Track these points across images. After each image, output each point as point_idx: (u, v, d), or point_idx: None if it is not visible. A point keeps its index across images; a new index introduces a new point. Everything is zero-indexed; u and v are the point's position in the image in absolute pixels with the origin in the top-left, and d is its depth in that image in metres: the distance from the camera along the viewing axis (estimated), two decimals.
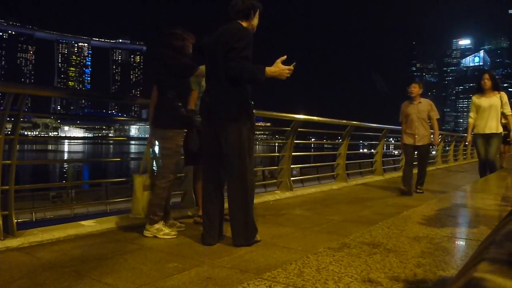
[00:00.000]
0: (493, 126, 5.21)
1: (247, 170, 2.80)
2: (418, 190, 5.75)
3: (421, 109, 5.58)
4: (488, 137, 5.24)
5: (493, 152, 5.28)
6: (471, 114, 5.42)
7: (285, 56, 2.75)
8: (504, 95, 5.27)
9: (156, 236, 2.99)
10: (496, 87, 5.31)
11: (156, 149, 3.33)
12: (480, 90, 5.35)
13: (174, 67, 3.13)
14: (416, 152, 5.76)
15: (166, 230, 3.04)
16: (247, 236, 2.79)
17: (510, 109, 5.22)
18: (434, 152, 12.15)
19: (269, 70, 2.69)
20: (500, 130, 5.24)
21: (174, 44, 3.15)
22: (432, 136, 5.77)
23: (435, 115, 5.67)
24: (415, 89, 5.60)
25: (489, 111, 5.22)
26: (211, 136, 2.88)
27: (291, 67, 2.73)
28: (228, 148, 2.78)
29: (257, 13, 2.95)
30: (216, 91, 2.82)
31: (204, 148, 3.02)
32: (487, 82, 5.27)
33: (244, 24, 2.87)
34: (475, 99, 5.40)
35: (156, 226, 3.03)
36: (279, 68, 2.71)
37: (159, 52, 3.22)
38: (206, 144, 2.98)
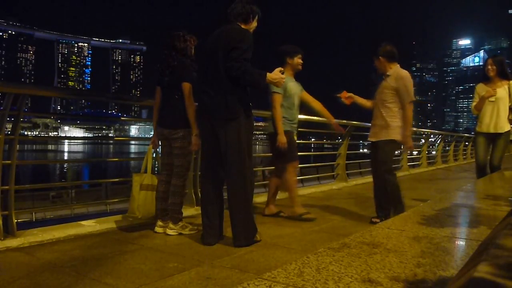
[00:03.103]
0: (500, 124, 4.36)
1: (246, 170, 2.80)
2: (373, 219, 3.65)
3: (384, 85, 3.63)
4: (493, 138, 4.41)
5: (498, 156, 4.43)
6: (473, 104, 4.57)
7: (282, 69, 2.87)
8: None
9: (181, 233, 3.10)
10: (504, 75, 4.38)
11: (159, 149, 3.36)
12: (485, 79, 4.50)
13: (176, 68, 3.16)
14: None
15: (190, 226, 3.17)
16: (247, 236, 2.79)
17: None
18: (434, 152, 12.16)
19: (270, 76, 2.78)
20: (508, 128, 4.37)
21: (176, 45, 3.20)
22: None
23: (407, 96, 3.54)
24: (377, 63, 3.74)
25: (493, 106, 4.37)
26: (210, 136, 2.89)
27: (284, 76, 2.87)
28: (227, 148, 2.79)
29: (256, 18, 3.00)
30: (215, 91, 2.82)
31: (203, 148, 3.04)
32: (490, 68, 4.39)
33: (243, 27, 2.90)
34: (479, 88, 4.54)
35: (180, 223, 3.14)
36: (278, 76, 2.81)
37: (162, 54, 3.25)
38: (204, 144, 2.99)
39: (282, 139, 3.68)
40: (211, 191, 2.93)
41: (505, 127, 4.35)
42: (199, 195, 3.99)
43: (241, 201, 2.80)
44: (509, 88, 4.32)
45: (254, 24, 3.00)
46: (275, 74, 2.80)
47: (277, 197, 4.18)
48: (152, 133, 3.44)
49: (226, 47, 2.74)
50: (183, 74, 3.14)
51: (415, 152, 10.75)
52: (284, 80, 2.86)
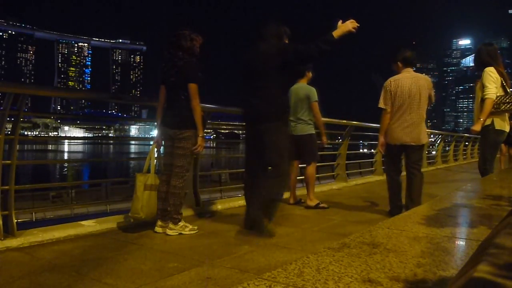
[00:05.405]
0: (475, 119, 3.92)
1: (287, 165, 3.21)
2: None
3: None
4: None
5: (479, 156, 4.04)
6: None
7: (340, 21, 3.10)
8: (485, 72, 3.76)
9: (182, 233, 3.11)
10: (481, 63, 3.91)
11: (162, 149, 3.35)
12: None
13: (183, 68, 3.13)
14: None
15: (190, 226, 3.17)
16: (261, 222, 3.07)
17: (489, 90, 3.67)
18: (434, 152, 12.17)
19: (337, 32, 3.04)
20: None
21: (183, 44, 3.17)
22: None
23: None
24: None
25: (475, 100, 3.99)
26: (254, 136, 3.24)
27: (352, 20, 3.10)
28: (270, 146, 3.13)
29: (286, 38, 3.40)
30: (263, 94, 3.14)
31: (247, 147, 3.37)
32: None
33: None
34: None
35: (181, 224, 3.14)
36: (344, 26, 3.05)
37: (168, 53, 3.22)
38: (248, 143, 3.34)
39: (325, 140, 4.69)
40: (250, 184, 3.30)
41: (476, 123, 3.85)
42: (199, 195, 4.01)
43: (271, 194, 3.13)
44: (482, 76, 3.80)
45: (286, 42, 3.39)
46: (343, 27, 3.04)
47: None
48: (152, 133, 3.43)
49: (276, 55, 3.10)
50: (190, 75, 3.12)
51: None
52: (353, 25, 3.06)
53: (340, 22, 3.08)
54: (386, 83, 3.91)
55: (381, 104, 3.90)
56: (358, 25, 3.08)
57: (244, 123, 3.38)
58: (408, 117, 3.76)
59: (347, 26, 3.06)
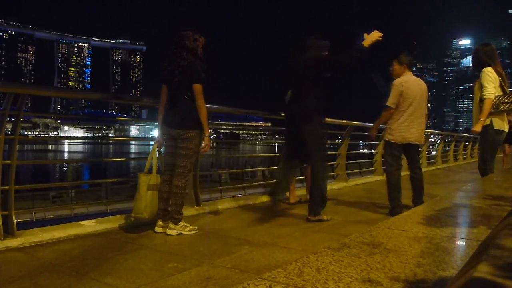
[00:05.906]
0: (474, 121, 3.93)
1: (325, 160, 3.83)
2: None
3: None
4: None
5: (479, 156, 4.15)
6: None
7: (365, 33, 3.48)
8: (483, 72, 3.73)
9: (182, 233, 3.10)
10: (479, 63, 3.88)
11: (163, 149, 3.35)
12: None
13: (187, 68, 3.13)
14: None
15: (190, 226, 3.16)
16: (316, 211, 3.60)
17: (488, 90, 3.66)
18: (434, 152, 12.17)
19: (366, 42, 3.43)
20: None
21: (187, 45, 3.16)
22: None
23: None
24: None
25: (474, 101, 3.99)
26: (294, 136, 3.73)
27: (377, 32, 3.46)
28: (311, 144, 3.57)
29: (326, 50, 3.74)
30: (302, 99, 3.58)
31: (287, 144, 3.93)
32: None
33: None
34: None
35: (181, 224, 3.14)
36: (372, 36, 3.43)
37: (171, 53, 3.21)
38: (288, 142, 3.91)
39: None
40: (286, 170, 3.87)
41: (475, 124, 3.85)
42: (199, 195, 4.01)
43: (319, 184, 3.64)
44: (480, 77, 3.77)
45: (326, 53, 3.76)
46: (370, 37, 3.42)
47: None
48: (153, 133, 3.43)
49: (314, 65, 3.52)
50: (194, 75, 3.11)
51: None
52: (379, 35, 3.45)
53: (365, 34, 3.44)
54: (397, 84, 4.05)
55: (389, 103, 4.07)
56: (382, 34, 3.40)
57: (285, 124, 3.97)
58: (415, 118, 4.01)
59: (373, 36, 3.43)
